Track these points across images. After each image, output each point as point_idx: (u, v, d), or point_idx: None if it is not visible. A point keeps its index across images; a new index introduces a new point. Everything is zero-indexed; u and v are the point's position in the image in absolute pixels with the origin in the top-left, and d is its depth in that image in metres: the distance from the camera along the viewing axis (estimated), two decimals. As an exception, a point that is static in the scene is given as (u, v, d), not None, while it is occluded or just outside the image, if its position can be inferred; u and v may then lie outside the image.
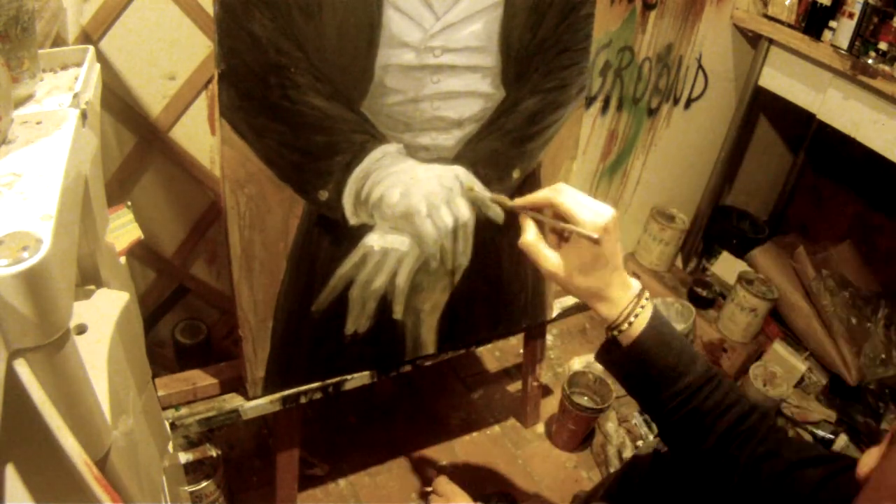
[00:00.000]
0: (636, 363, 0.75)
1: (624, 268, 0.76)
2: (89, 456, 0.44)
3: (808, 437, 1.68)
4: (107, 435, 0.50)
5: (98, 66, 0.70)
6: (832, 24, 1.62)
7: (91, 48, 0.69)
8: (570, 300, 1.50)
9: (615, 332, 0.75)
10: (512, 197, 0.83)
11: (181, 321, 1.48)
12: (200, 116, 1.27)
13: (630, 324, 0.74)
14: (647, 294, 0.76)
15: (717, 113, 2.01)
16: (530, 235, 0.77)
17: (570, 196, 0.73)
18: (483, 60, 1.02)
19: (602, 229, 0.71)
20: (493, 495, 1.22)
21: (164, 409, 1.03)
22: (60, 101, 0.60)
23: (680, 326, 1.85)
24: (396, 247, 1.08)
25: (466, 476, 1.51)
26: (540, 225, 0.78)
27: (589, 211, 0.72)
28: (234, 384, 1.11)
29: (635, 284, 0.76)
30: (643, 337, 0.74)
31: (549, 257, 0.75)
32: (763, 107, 2.05)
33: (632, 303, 0.74)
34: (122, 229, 0.80)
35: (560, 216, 0.74)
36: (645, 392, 0.77)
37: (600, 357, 0.80)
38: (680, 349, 0.74)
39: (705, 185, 2.12)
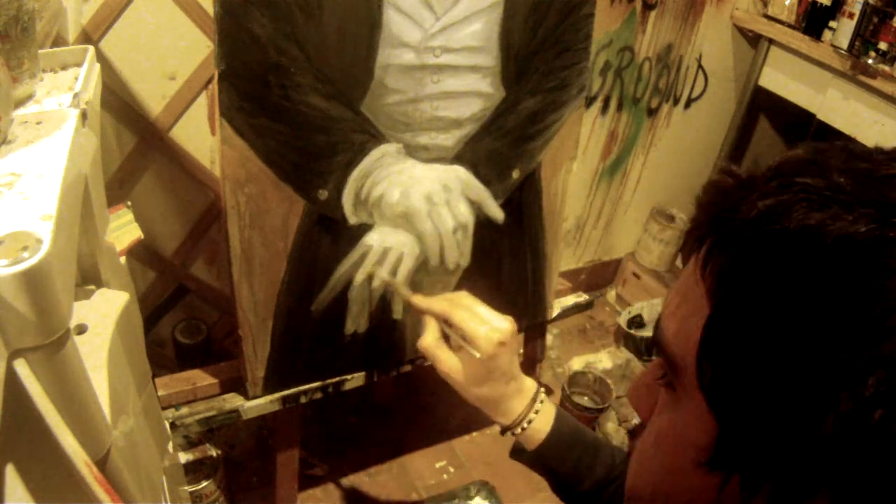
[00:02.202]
0: (542, 467, 0.77)
1: (520, 373, 0.77)
2: (89, 456, 0.44)
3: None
4: (107, 435, 0.50)
5: (98, 66, 0.70)
6: (832, 24, 1.62)
7: (91, 48, 0.69)
8: (570, 300, 1.50)
9: (512, 435, 0.77)
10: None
11: (181, 321, 1.48)
12: (200, 116, 1.27)
13: (524, 429, 0.76)
14: (542, 397, 0.77)
15: (717, 113, 2.01)
16: (429, 338, 0.77)
17: (465, 311, 0.75)
18: (483, 60, 1.02)
19: (497, 344, 0.72)
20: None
21: (164, 408, 1.03)
22: (60, 101, 0.60)
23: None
24: (396, 246, 1.08)
25: (467, 476, 1.51)
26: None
27: (484, 326, 0.73)
28: (234, 384, 1.11)
29: (529, 388, 0.77)
30: (544, 445, 0.75)
31: (445, 361, 0.75)
32: (763, 107, 2.05)
33: (526, 408, 0.76)
34: (122, 229, 0.80)
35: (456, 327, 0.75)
36: (559, 491, 0.78)
37: (513, 456, 0.81)
38: (579, 454, 0.75)
39: (705, 185, 2.12)
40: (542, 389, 0.79)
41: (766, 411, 0.31)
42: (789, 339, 0.29)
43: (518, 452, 0.80)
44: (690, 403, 0.36)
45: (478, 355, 0.72)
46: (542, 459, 0.76)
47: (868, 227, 0.28)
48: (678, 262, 2.21)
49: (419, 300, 0.81)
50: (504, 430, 0.77)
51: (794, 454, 0.30)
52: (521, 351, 1.58)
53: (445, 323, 0.77)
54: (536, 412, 0.76)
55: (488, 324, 0.74)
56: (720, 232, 0.34)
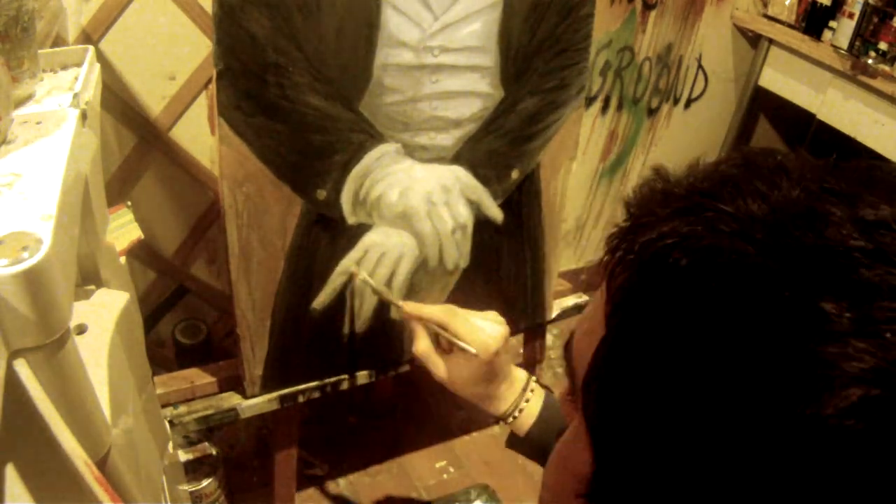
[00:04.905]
0: (534, 451, 0.78)
1: (512, 369, 0.80)
2: (89, 456, 0.44)
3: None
4: (107, 435, 0.50)
5: (98, 66, 0.70)
6: (832, 24, 1.62)
7: (91, 48, 0.69)
8: (569, 301, 1.50)
9: (506, 423, 0.79)
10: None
11: (181, 321, 1.48)
12: (200, 116, 1.27)
13: (515, 417, 0.78)
14: (533, 385, 0.80)
15: (717, 113, 2.01)
16: (423, 343, 0.79)
17: (461, 319, 0.77)
18: (482, 60, 1.02)
19: (493, 353, 0.75)
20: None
21: (162, 406, 1.03)
22: (60, 101, 0.60)
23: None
24: (395, 246, 1.08)
25: (467, 476, 1.51)
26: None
27: (480, 333, 0.75)
28: (233, 383, 1.11)
29: (521, 378, 0.80)
30: (533, 428, 0.77)
31: (440, 366, 0.78)
32: (763, 107, 2.05)
33: (518, 397, 0.78)
34: (122, 229, 0.80)
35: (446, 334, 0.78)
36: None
37: (509, 445, 0.83)
38: None
39: (705, 185, 2.12)
40: (534, 378, 0.81)
41: (644, 453, 0.28)
42: (676, 382, 0.26)
43: (513, 441, 0.81)
44: (578, 427, 0.33)
45: (474, 351, 0.74)
46: (533, 443, 0.78)
47: (774, 264, 0.24)
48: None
49: (411, 307, 0.82)
50: (498, 420, 0.80)
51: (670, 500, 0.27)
52: (521, 351, 1.58)
53: (440, 329, 0.78)
54: (527, 400, 0.78)
55: (483, 331, 0.76)
56: (626, 246, 0.30)
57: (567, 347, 0.35)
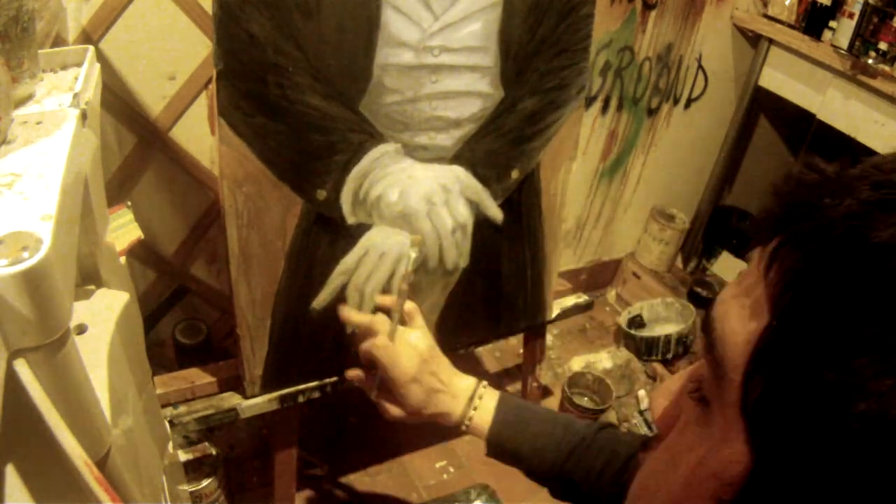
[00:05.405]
0: (504, 455, 0.81)
1: (452, 380, 0.84)
2: (89, 456, 0.44)
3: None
4: (107, 435, 0.50)
5: (98, 66, 0.70)
6: (832, 24, 1.62)
7: (91, 48, 0.69)
8: (570, 300, 1.50)
9: (464, 430, 0.82)
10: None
11: (181, 321, 1.48)
12: (200, 116, 1.27)
13: (467, 426, 0.82)
14: (482, 392, 0.82)
15: (717, 113, 2.01)
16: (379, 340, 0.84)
17: (381, 342, 0.84)
18: (482, 60, 1.02)
19: (420, 362, 0.82)
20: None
21: (162, 406, 1.03)
22: (60, 101, 0.60)
23: (680, 326, 1.85)
24: (394, 246, 1.08)
25: (467, 476, 1.51)
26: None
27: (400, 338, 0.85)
28: (233, 383, 1.11)
29: (466, 387, 0.83)
30: (492, 431, 0.80)
31: (388, 407, 0.86)
32: (763, 107, 2.05)
33: (465, 407, 0.82)
34: (122, 229, 0.80)
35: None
36: (525, 472, 0.82)
37: (487, 453, 0.85)
38: (535, 431, 0.79)
39: (705, 185, 2.12)
40: (484, 384, 0.83)
41: (820, 452, 0.25)
42: (864, 363, 0.24)
43: (487, 450, 0.83)
44: (724, 426, 0.30)
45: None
46: (498, 447, 0.80)
47: None
48: (678, 262, 2.21)
49: (347, 312, 0.92)
50: (460, 428, 0.83)
51: None
52: (521, 351, 1.58)
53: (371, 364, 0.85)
54: (475, 408, 0.81)
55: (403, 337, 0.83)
56: (795, 227, 0.28)
57: (709, 333, 0.32)
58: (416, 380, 0.81)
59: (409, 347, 0.82)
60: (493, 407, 0.80)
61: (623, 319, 1.94)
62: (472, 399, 0.81)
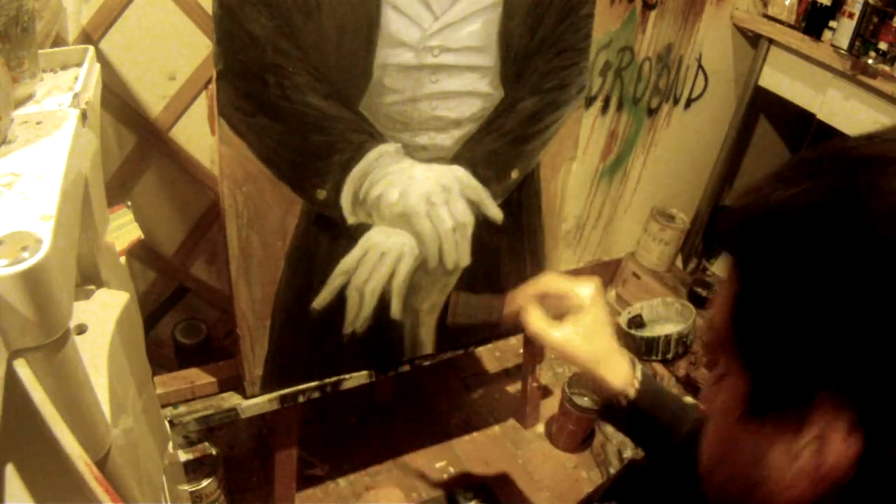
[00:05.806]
0: (642, 420, 0.82)
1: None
2: (89, 456, 0.44)
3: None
4: (107, 435, 0.50)
5: (98, 66, 0.70)
6: (832, 24, 1.62)
7: (91, 48, 0.69)
8: (569, 300, 1.50)
9: (619, 394, 0.82)
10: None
11: (181, 321, 1.48)
12: (200, 116, 1.27)
13: (635, 387, 0.82)
14: (635, 359, 0.85)
15: (717, 113, 2.01)
16: (535, 319, 0.83)
17: (557, 276, 0.84)
18: (482, 60, 1.02)
19: (595, 292, 0.82)
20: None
21: (162, 406, 1.03)
22: (60, 101, 0.60)
23: (680, 326, 1.85)
24: (394, 246, 1.08)
25: (467, 476, 1.51)
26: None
27: (576, 282, 0.83)
28: (233, 383, 1.11)
29: (625, 352, 0.84)
30: (641, 398, 0.81)
31: (554, 333, 0.82)
32: (763, 107, 2.04)
33: (630, 369, 0.82)
34: (122, 229, 0.80)
35: (553, 297, 0.84)
36: (653, 443, 0.83)
37: (605, 417, 0.86)
38: (673, 400, 0.83)
39: (705, 185, 2.12)
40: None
41: (792, 348, 0.36)
42: (806, 294, 0.35)
43: (610, 412, 0.84)
44: (731, 374, 0.41)
45: (591, 291, 0.81)
46: (642, 410, 0.81)
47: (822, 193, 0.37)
48: (678, 262, 2.21)
49: (519, 295, 0.86)
50: (617, 395, 0.82)
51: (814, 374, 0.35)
52: (521, 351, 1.58)
53: (540, 300, 0.83)
54: (637, 376, 0.83)
55: (579, 281, 0.83)
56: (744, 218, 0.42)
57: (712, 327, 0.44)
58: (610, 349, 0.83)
59: (593, 328, 0.83)
60: (641, 373, 0.84)
61: (623, 319, 1.94)
62: (634, 364, 0.83)
